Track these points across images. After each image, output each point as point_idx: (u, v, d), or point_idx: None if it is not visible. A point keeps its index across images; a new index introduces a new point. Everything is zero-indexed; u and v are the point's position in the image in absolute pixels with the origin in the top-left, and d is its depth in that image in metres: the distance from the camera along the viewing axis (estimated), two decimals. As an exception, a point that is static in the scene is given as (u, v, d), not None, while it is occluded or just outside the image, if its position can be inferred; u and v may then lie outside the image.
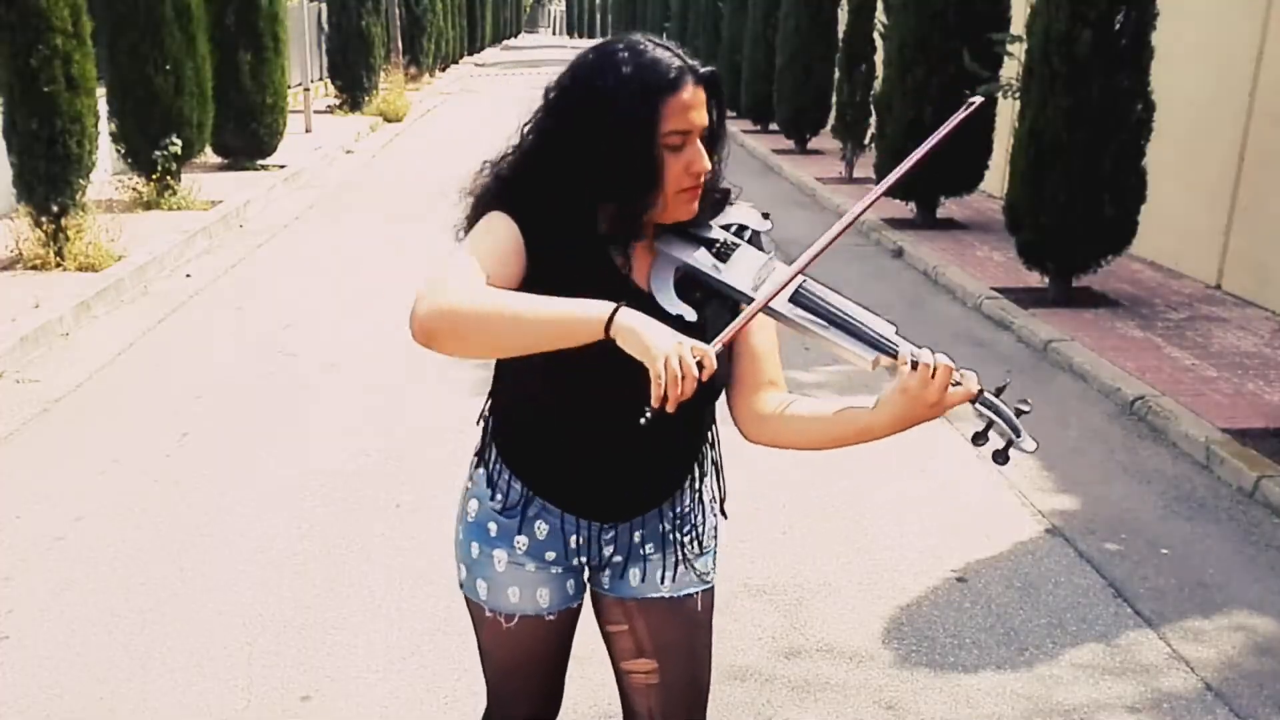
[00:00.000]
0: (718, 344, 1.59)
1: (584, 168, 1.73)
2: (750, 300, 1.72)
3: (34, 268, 7.58)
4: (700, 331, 1.67)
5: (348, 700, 3.21)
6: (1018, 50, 8.29)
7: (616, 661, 2.05)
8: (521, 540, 1.94)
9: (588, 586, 2.06)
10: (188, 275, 8.24)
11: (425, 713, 3.15)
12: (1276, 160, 7.33)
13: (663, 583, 1.99)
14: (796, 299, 1.71)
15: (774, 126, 16.65)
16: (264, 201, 11.27)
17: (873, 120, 11.59)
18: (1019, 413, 1.63)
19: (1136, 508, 4.58)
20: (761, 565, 4.02)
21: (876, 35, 11.77)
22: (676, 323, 1.65)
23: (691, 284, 1.77)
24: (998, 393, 1.64)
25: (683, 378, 1.51)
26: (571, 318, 1.58)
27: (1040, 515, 4.47)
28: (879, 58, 11.31)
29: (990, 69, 9.12)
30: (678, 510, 1.99)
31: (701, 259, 1.78)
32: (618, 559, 1.99)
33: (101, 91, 8.22)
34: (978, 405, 1.63)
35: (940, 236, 9.74)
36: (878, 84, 11.04)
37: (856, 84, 12.57)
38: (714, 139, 1.79)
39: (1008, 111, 9.25)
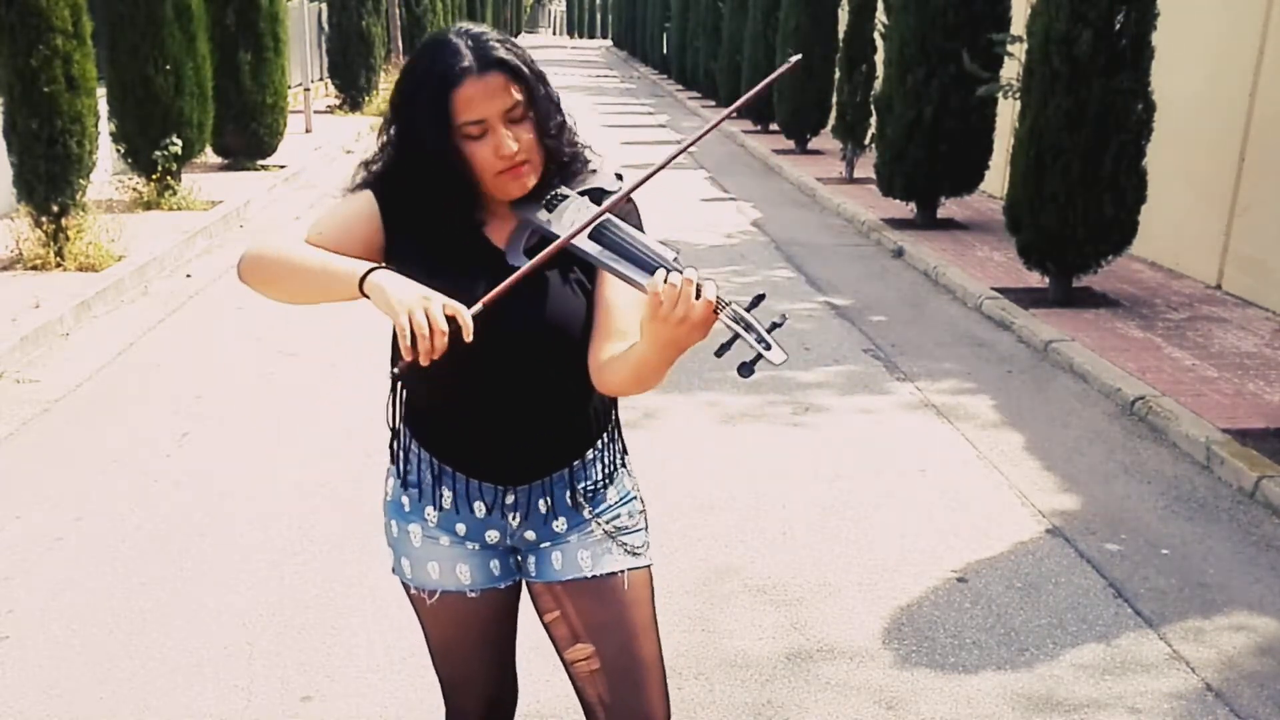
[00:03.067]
0: (479, 305, 1.68)
1: (410, 160, 1.85)
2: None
3: (34, 268, 7.58)
4: (543, 284, 1.83)
5: (348, 700, 3.21)
6: (1018, 50, 8.28)
7: (561, 654, 2.06)
8: (431, 512, 2.00)
9: (518, 575, 2.08)
10: (188, 275, 8.25)
11: (425, 713, 3.15)
12: (1276, 160, 7.33)
13: (584, 563, 2.00)
14: (597, 234, 1.79)
15: (774, 126, 16.64)
16: (264, 201, 11.27)
17: (873, 120, 11.59)
18: (773, 326, 1.61)
19: (1136, 508, 4.58)
20: (761, 565, 4.02)
21: (877, 35, 11.77)
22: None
23: (543, 242, 1.85)
24: (750, 306, 1.62)
25: (431, 333, 1.61)
26: (335, 273, 1.77)
27: (1040, 515, 4.47)
28: (879, 58, 11.30)
29: (990, 69, 9.11)
30: (586, 486, 2.01)
31: (539, 215, 1.87)
32: (530, 534, 2.01)
33: (101, 91, 8.22)
34: (722, 317, 1.62)
35: (940, 236, 9.73)
36: (878, 84, 11.04)
37: (857, 84, 12.57)
38: (534, 113, 1.84)
39: (1008, 111, 9.25)
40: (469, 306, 1.72)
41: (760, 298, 1.61)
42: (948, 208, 10.58)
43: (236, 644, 3.46)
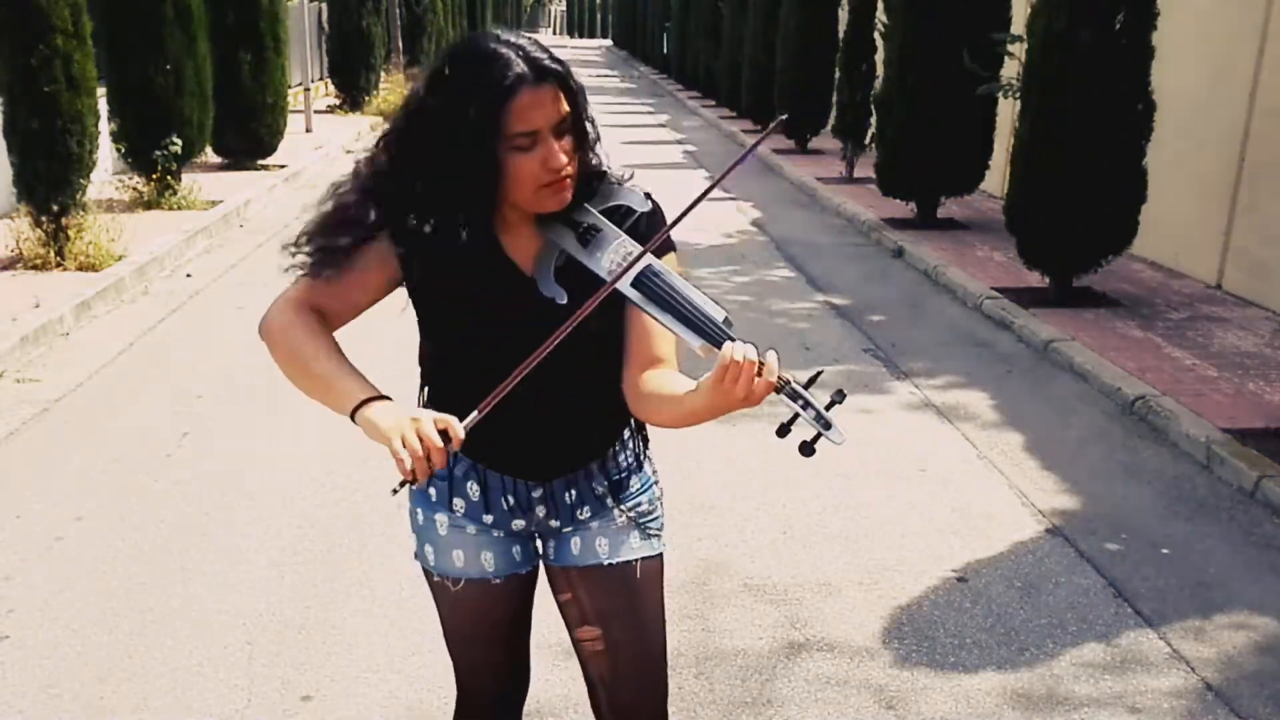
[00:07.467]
0: (475, 415, 1.72)
1: (433, 175, 1.81)
2: (602, 283, 1.78)
3: (34, 267, 7.58)
4: (571, 313, 1.79)
5: (348, 700, 3.21)
6: (1018, 50, 8.28)
7: (570, 631, 2.12)
8: (458, 502, 2.03)
9: (537, 560, 2.12)
10: (188, 275, 8.25)
11: (425, 713, 3.15)
12: (1276, 160, 7.33)
13: (601, 550, 2.05)
14: (640, 283, 1.76)
15: (774, 126, 16.63)
16: (264, 201, 11.27)
17: (873, 120, 11.59)
18: (831, 404, 1.63)
19: (1136, 508, 4.58)
20: (761, 565, 4.02)
21: (877, 35, 11.77)
22: (549, 305, 1.81)
23: (572, 268, 1.85)
24: (809, 384, 1.65)
25: (427, 454, 1.68)
26: (333, 395, 1.91)
27: (1040, 515, 4.47)
28: (879, 58, 11.30)
29: (990, 69, 9.11)
30: (612, 476, 2.04)
31: (571, 244, 1.85)
32: (554, 523, 2.04)
33: (101, 91, 8.22)
34: (782, 396, 1.64)
35: (940, 236, 9.73)
36: (878, 84, 11.04)
37: (856, 84, 12.56)
38: (576, 127, 1.83)
39: (1008, 111, 9.25)
40: (501, 330, 1.82)
41: (818, 374, 1.65)
42: (948, 207, 10.58)
43: (236, 644, 3.46)
